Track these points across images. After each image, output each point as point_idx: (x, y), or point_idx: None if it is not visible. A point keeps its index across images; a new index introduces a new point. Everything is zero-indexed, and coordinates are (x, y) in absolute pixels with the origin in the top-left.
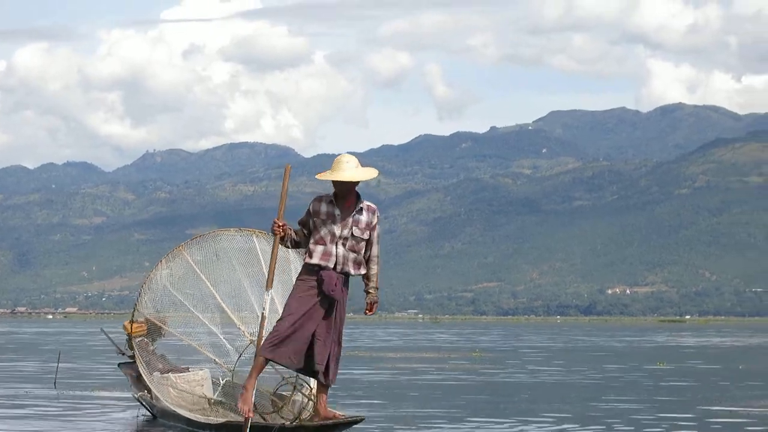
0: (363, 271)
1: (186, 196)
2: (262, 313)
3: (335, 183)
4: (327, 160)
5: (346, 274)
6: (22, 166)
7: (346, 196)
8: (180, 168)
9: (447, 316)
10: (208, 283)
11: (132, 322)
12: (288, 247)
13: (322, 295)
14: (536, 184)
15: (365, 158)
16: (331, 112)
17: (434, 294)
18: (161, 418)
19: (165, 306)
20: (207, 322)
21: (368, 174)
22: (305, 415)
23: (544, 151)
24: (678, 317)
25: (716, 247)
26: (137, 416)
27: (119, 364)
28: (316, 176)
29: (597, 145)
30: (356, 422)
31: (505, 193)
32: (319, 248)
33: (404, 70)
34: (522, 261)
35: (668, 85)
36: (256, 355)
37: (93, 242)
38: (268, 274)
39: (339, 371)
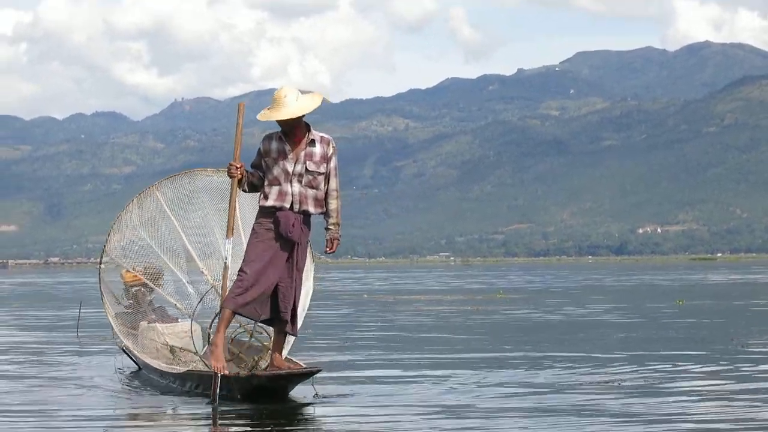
0: (323, 209)
1: (215, 144)
2: (225, 263)
3: (279, 121)
4: (355, 106)
5: (305, 213)
6: (51, 116)
7: (294, 131)
8: (208, 116)
9: (478, 258)
10: (177, 225)
11: (129, 271)
12: (245, 191)
13: (281, 238)
14: (564, 125)
15: (392, 102)
16: (357, 58)
17: (465, 236)
18: (144, 369)
19: (132, 248)
20: (172, 266)
21: (310, 104)
22: (262, 364)
23: (571, 92)
24: (709, 255)
25: (746, 184)
26: (118, 369)
27: (116, 314)
28: (257, 117)
29: (624, 85)
30: (312, 374)
31: (533, 134)
32: (274, 189)
33: (429, 13)
34: (552, 202)
35: (694, 23)
36: (221, 308)
37: (123, 191)
38: (228, 220)
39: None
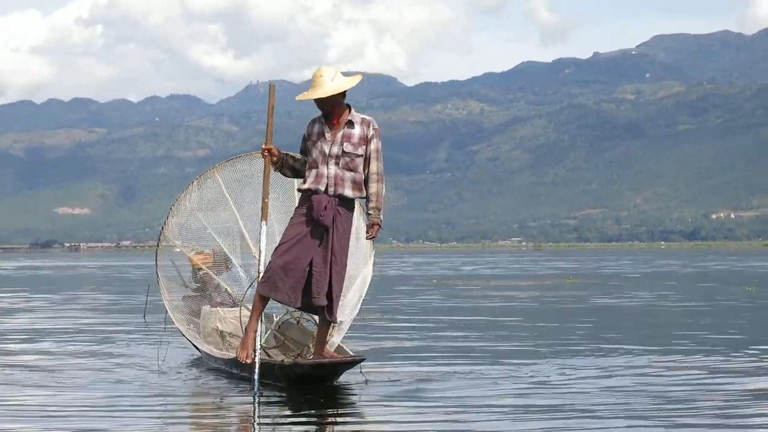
0: (363, 194)
1: (289, 128)
2: (259, 248)
3: (316, 102)
4: (430, 89)
5: (342, 197)
6: (126, 99)
7: (333, 112)
8: (283, 99)
9: (550, 243)
10: (234, 209)
11: (199, 253)
12: (287, 176)
13: (313, 222)
14: (640, 109)
15: (467, 86)
16: (433, 40)
17: (538, 221)
18: (201, 354)
19: (191, 231)
20: (227, 250)
21: (346, 83)
22: (307, 353)
23: (647, 75)
24: None
25: None
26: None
27: (183, 297)
28: (296, 98)
29: (701, 69)
30: (356, 363)
31: (608, 118)
32: (312, 172)
33: None
34: (625, 187)
35: None
36: (255, 294)
37: (197, 175)
38: (262, 205)
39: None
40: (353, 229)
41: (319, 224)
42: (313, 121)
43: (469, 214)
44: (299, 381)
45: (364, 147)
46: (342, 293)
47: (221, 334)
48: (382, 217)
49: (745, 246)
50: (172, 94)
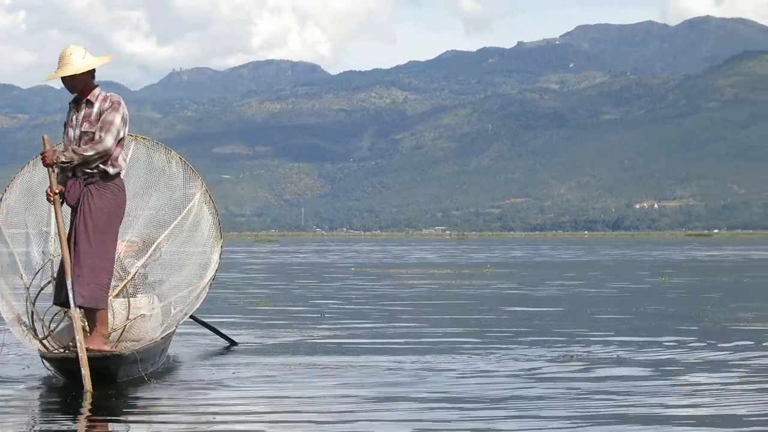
0: (110, 168)
1: (212, 115)
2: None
3: (66, 83)
4: (354, 77)
5: (89, 175)
6: (48, 85)
7: (81, 93)
8: (206, 86)
9: (474, 232)
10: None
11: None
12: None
13: (70, 208)
14: (563, 98)
15: (391, 75)
16: (357, 29)
17: (461, 210)
18: None
19: (15, 214)
20: (32, 236)
21: (95, 62)
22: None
23: (571, 65)
24: (706, 231)
25: (744, 160)
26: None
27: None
28: (45, 78)
29: (624, 59)
30: (111, 358)
31: (532, 108)
32: None
33: None
34: (549, 176)
35: None
36: None
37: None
38: (56, 217)
39: None
40: (191, 216)
41: (73, 208)
42: (69, 107)
43: (392, 203)
44: (68, 375)
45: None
46: (162, 282)
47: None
48: (68, 158)
49: (668, 236)
50: (95, 81)
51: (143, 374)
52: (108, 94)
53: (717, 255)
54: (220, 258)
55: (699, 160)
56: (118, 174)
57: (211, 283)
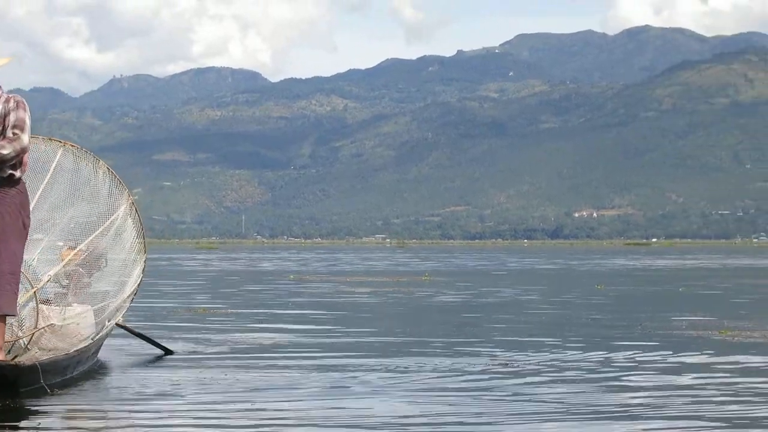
0: (15, 171)
1: (153, 122)
2: None
3: None
4: (295, 85)
5: None
6: None
7: None
8: (147, 93)
9: (414, 240)
10: None
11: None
12: None
13: None
14: (503, 107)
15: (332, 82)
16: (298, 37)
17: (401, 218)
18: None
19: None
20: None
21: None
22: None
23: (510, 74)
24: (644, 240)
25: (683, 169)
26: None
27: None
28: None
29: (564, 68)
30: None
31: (471, 116)
32: None
33: None
34: (489, 185)
35: (634, 7)
36: None
37: None
38: None
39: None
40: (113, 228)
41: None
42: None
43: (333, 211)
44: None
45: (2, 123)
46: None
47: None
48: None
49: (606, 245)
50: (35, 87)
51: (44, 384)
52: (10, 95)
53: (654, 264)
54: (142, 273)
55: (637, 169)
56: (20, 178)
57: (132, 298)
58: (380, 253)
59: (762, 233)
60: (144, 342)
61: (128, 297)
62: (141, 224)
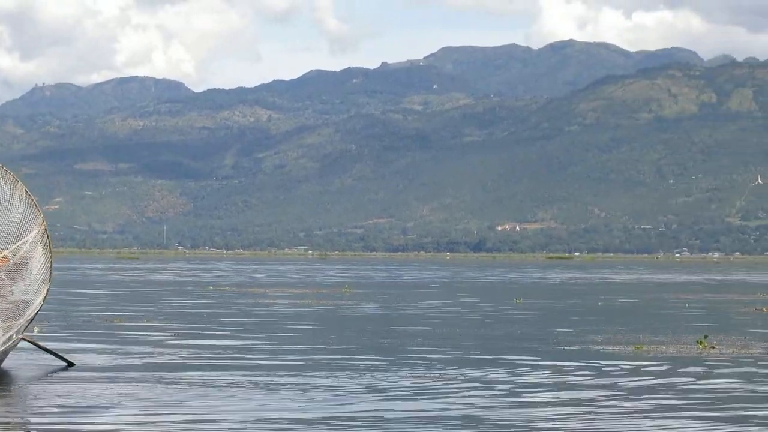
0: None
1: (75, 131)
2: None
3: None
4: (218, 95)
5: None
6: None
7: None
8: (69, 102)
9: (336, 252)
10: None
11: None
12: None
13: None
14: (427, 119)
15: (255, 93)
16: (222, 47)
17: (324, 230)
18: None
19: None
20: None
21: None
22: None
23: (434, 87)
24: (567, 254)
25: (605, 184)
26: None
27: None
28: None
29: (488, 82)
30: None
31: (395, 128)
32: None
33: (295, 3)
34: (412, 197)
35: (559, 21)
36: None
37: None
38: None
39: None
40: (20, 253)
41: None
42: None
43: (255, 222)
44: None
45: None
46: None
47: None
48: None
49: (529, 258)
50: None
51: None
52: None
53: (575, 277)
54: (43, 301)
55: (561, 183)
56: None
57: (31, 321)
58: (302, 265)
59: (684, 248)
60: (47, 354)
61: (25, 323)
62: (51, 252)
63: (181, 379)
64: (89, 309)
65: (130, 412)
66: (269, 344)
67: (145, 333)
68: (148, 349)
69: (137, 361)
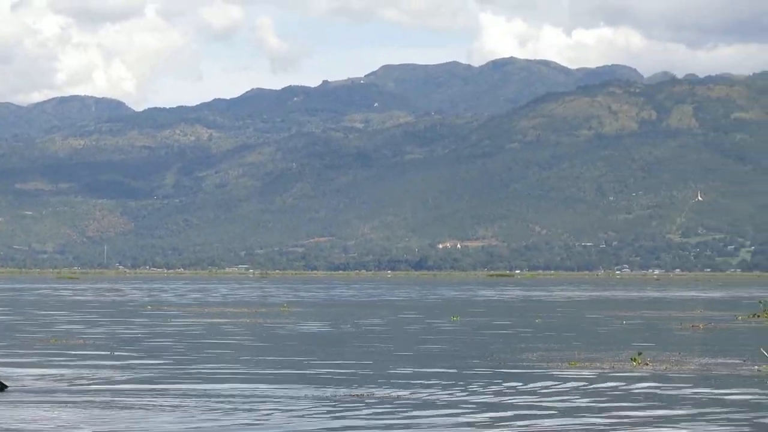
0: None
1: (15, 150)
2: None
3: None
4: (159, 114)
5: None
6: None
7: None
8: (9, 122)
9: (277, 271)
10: None
11: None
12: None
13: None
14: (368, 138)
15: (196, 112)
16: (163, 66)
17: (265, 249)
18: None
19: None
20: None
21: None
22: None
23: (375, 105)
24: (508, 271)
25: (546, 201)
26: None
27: None
28: None
29: (429, 99)
30: None
31: (336, 147)
32: None
33: (236, 22)
34: (353, 216)
35: (500, 39)
36: None
37: None
38: None
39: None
40: None
41: None
42: None
43: (196, 241)
44: None
45: None
46: None
47: None
48: None
49: (470, 276)
50: None
51: None
52: None
53: (515, 295)
54: None
55: (501, 200)
56: None
57: None
58: (242, 284)
59: (625, 265)
60: None
61: None
62: None
63: (116, 403)
64: (26, 328)
65: None
66: (212, 365)
67: (80, 353)
68: (79, 372)
69: (65, 385)
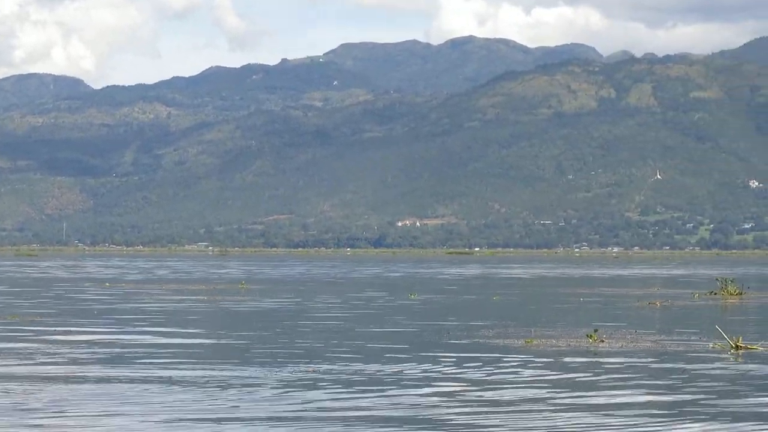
0: None
1: None
2: None
3: None
4: (117, 92)
5: None
6: None
7: None
8: None
9: (237, 248)
10: None
11: None
12: None
13: None
14: (327, 116)
15: (155, 90)
16: (122, 43)
17: (225, 226)
18: None
19: None
20: None
21: None
22: None
23: (335, 83)
24: (467, 249)
25: (505, 179)
26: None
27: None
28: None
29: (388, 78)
30: None
31: (295, 125)
32: None
33: (195, 1)
34: (313, 193)
35: (459, 17)
36: None
37: None
38: None
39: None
40: None
41: None
42: None
43: (155, 218)
44: None
45: None
46: None
47: None
48: None
49: (429, 253)
50: None
51: None
52: None
53: (473, 273)
54: None
55: (461, 178)
56: None
57: None
58: (201, 261)
59: (584, 243)
60: None
61: None
62: None
63: (73, 378)
64: None
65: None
66: (170, 340)
67: (38, 329)
68: (37, 347)
69: (27, 362)
